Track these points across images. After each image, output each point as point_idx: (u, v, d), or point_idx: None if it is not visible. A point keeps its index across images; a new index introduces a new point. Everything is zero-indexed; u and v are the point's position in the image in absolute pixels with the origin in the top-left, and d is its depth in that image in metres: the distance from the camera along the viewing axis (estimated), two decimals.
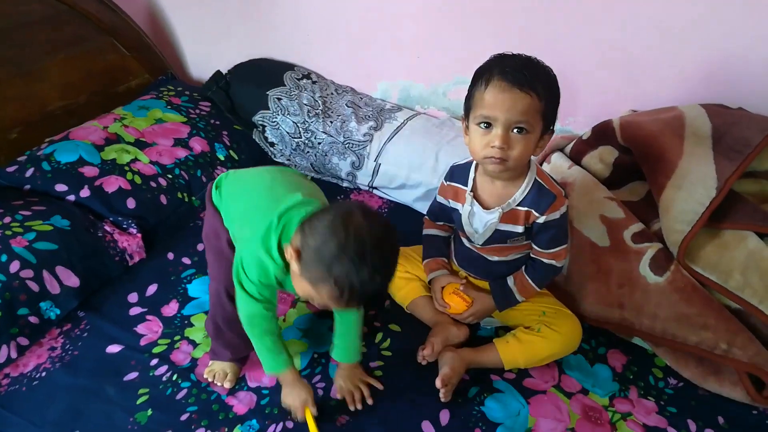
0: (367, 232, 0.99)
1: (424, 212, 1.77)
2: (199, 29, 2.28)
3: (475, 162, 1.32)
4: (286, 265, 1.12)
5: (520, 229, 1.28)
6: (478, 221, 1.30)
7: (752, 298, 1.28)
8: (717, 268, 1.32)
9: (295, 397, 1.21)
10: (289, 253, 1.06)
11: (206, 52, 2.33)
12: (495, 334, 1.41)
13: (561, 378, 1.31)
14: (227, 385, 1.27)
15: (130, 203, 1.60)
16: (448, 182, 1.37)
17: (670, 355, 1.34)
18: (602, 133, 1.60)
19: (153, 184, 1.67)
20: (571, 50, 1.70)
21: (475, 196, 1.30)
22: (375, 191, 1.89)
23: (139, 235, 1.57)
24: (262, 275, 1.14)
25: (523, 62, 1.15)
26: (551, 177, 1.30)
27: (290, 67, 2.09)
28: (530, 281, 1.33)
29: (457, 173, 1.34)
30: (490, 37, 1.78)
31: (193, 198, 1.74)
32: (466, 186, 1.32)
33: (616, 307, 1.37)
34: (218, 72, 2.11)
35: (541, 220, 1.26)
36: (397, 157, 1.81)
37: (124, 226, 1.57)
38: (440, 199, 1.41)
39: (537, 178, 1.26)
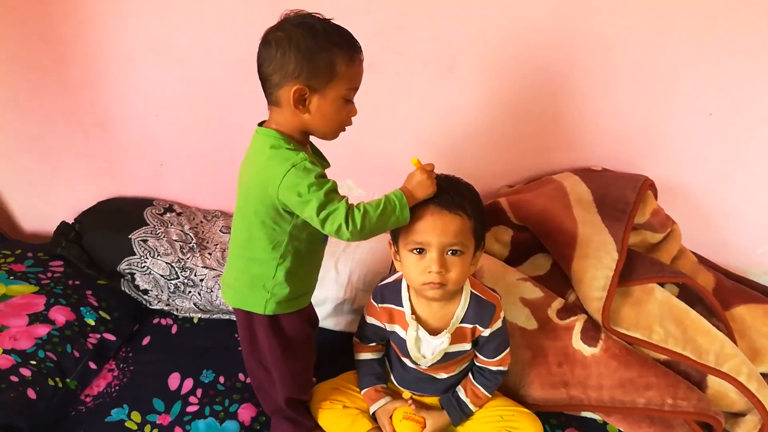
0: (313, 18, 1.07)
1: (336, 329, 1.68)
2: (22, 177, 1.99)
3: (404, 280, 1.26)
4: (301, 142, 1.12)
5: (468, 346, 1.26)
6: (426, 347, 1.24)
7: (676, 346, 1.35)
8: (639, 325, 1.38)
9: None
10: (291, 101, 1.04)
11: (37, 202, 2.03)
12: None
13: None
14: None
15: None
16: (380, 305, 1.29)
17: (622, 422, 1.36)
18: (492, 214, 1.64)
19: (14, 379, 1.37)
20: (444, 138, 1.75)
21: (417, 319, 1.24)
22: None
23: None
24: (307, 169, 1.03)
25: (447, 183, 1.14)
26: (483, 284, 1.28)
27: (148, 202, 1.89)
28: (482, 390, 1.29)
29: (388, 294, 1.27)
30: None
31: (68, 380, 1.46)
32: (401, 307, 1.25)
33: (561, 387, 1.37)
34: (63, 223, 1.84)
35: (487, 333, 1.24)
36: None
37: None
38: (373, 320, 1.32)
39: (473, 290, 1.24)
